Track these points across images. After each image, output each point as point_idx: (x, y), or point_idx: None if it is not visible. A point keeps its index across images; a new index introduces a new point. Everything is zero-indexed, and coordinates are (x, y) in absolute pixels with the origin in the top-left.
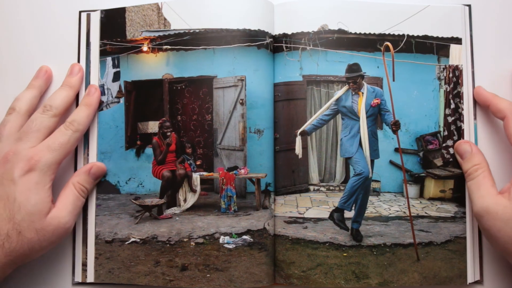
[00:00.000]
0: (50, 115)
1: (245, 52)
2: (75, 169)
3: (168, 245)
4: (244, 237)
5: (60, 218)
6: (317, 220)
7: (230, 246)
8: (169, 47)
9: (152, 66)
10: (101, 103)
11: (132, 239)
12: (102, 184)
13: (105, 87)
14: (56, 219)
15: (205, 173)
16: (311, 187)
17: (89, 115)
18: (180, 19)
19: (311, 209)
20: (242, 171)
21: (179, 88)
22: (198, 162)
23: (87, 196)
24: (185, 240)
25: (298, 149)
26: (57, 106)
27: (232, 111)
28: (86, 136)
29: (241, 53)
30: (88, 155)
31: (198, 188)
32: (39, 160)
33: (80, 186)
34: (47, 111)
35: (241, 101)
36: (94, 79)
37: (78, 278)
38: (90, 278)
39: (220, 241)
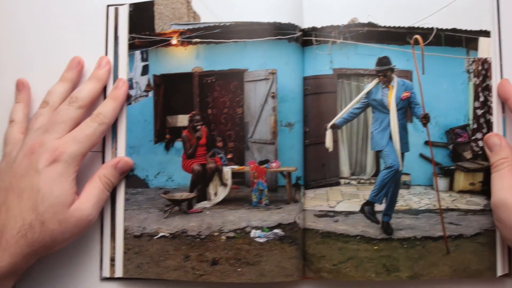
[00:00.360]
0: (76, 106)
1: (276, 46)
2: (103, 163)
3: (198, 239)
4: (275, 230)
5: (83, 210)
6: (348, 213)
7: (261, 240)
8: (198, 40)
9: (182, 59)
10: (129, 97)
11: (161, 234)
12: (130, 179)
13: (134, 80)
14: (79, 211)
15: (236, 167)
16: (342, 181)
17: (115, 108)
18: (210, 12)
19: (342, 202)
20: (274, 164)
21: (209, 81)
22: (229, 156)
23: (112, 190)
24: (215, 234)
25: (329, 143)
26: (83, 98)
27: (263, 104)
28: (114, 130)
29: (272, 47)
30: (116, 149)
31: (229, 182)
32: (64, 152)
33: (106, 180)
34: (73, 103)
35: (272, 94)
36: (122, 73)
37: (106, 273)
38: (119, 273)
39: (251, 235)
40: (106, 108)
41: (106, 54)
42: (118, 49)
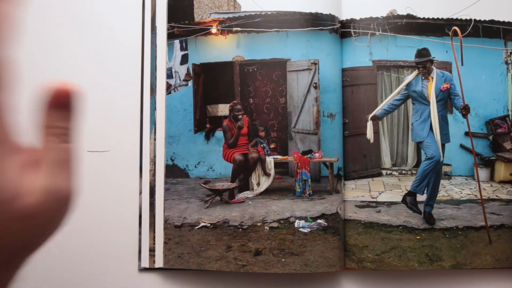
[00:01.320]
0: None
1: (317, 36)
2: (141, 155)
3: (240, 229)
4: (319, 221)
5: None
6: (390, 204)
7: (305, 230)
8: (239, 29)
9: (222, 48)
10: (168, 86)
11: (202, 224)
12: (170, 168)
13: (173, 70)
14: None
15: (279, 157)
16: (384, 171)
17: None
18: (250, 1)
19: (384, 193)
20: (317, 155)
21: (250, 70)
22: (272, 146)
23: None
24: (258, 224)
25: (370, 134)
26: None
27: (306, 94)
28: (152, 120)
29: (314, 37)
30: (155, 139)
31: (272, 172)
32: None
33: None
34: None
35: (314, 84)
36: (161, 63)
37: (145, 263)
38: (159, 263)
39: (295, 225)
40: None
41: (143, 44)
42: (156, 39)
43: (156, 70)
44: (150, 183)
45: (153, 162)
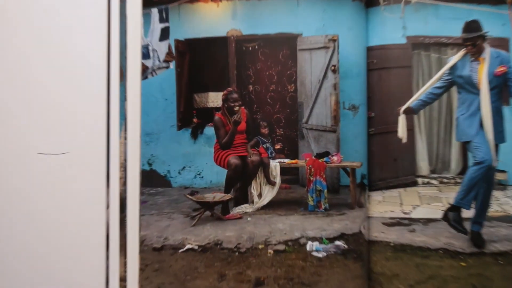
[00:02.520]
0: None
1: (337, 5)
2: (108, 158)
3: (236, 253)
4: (337, 242)
5: None
6: (427, 221)
7: (319, 255)
8: None
9: (213, 20)
10: (144, 69)
11: (188, 246)
12: (147, 175)
13: (150, 48)
14: None
15: (287, 160)
16: (419, 180)
17: None
18: None
19: (419, 207)
20: (335, 158)
21: (250, 49)
22: (278, 146)
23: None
24: (260, 247)
25: (402, 132)
26: None
27: (322, 80)
28: (123, 113)
29: (333, 5)
30: (126, 138)
31: (277, 180)
32: None
33: None
34: None
35: (333, 67)
36: (134, 39)
37: None
38: None
39: (307, 248)
40: None
41: (109, 14)
42: (126, 8)
43: (126, 49)
44: (120, 194)
45: (123, 167)
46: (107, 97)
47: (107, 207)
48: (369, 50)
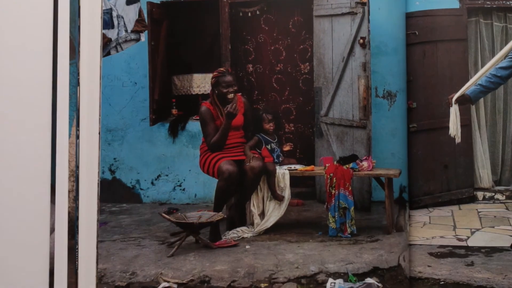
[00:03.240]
0: None
1: None
2: (53, 164)
3: None
4: (369, 280)
5: None
6: (490, 250)
7: None
8: None
9: None
10: (106, 42)
11: (164, 284)
12: (108, 186)
13: (114, 13)
14: None
15: (299, 167)
16: (480, 194)
17: None
18: None
19: (479, 232)
20: (365, 164)
21: (249, 15)
22: (287, 147)
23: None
24: (262, 286)
25: (455, 128)
26: None
27: (347, 57)
28: (74, 103)
29: None
30: (78, 137)
31: (286, 194)
32: None
33: None
34: None
35: (361, 40)
36: (91, 1)
37: None
38: None
39: (328, 287)
40: None
41: None
42: None
43: (79, 15)
44: (69, 213)
45: (74, 176)
46: (52, 81)
47: (51, 231)
48: (409, 17)
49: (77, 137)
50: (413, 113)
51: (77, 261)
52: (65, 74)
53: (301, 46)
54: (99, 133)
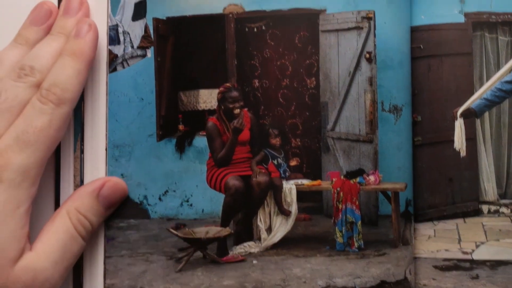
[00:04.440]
0: (31, 83)
1: None
2: (57, 182)
3: None
4: None
5: (37, 270)
6: (495, 264)
7: None
8: None
9: None
10: (112, 58)
11: None
12: None
13: (120, 29)
14: (31, 272)
15: (306, 181)
16: (485, 207)
17: (80, 73)
18: None
19: (484, 245)
20: (372, 178)
21: (255, 30)
22: (294, 162)
23: (90, 236)
24: None
25: (460, 142)
26: (43, 68)
27: (353, 72)
28: (79, 118)
29: None
30: (83, 152)
31: (293, 208)
32: (7, 165)
33: (79, 218)
34: (26, 76)
35: (368, 55)
36: (97, 16)
37: None
38: None
39: None
40: (64, 74)
41: None
42: None
43: None
44: None
45: None
46: None
47: None
48: (414, 31)
49: (82, 151)
50: (418, 126)
51: (83, 276)
52: None
53: (307, 61)
54: (105, 149)
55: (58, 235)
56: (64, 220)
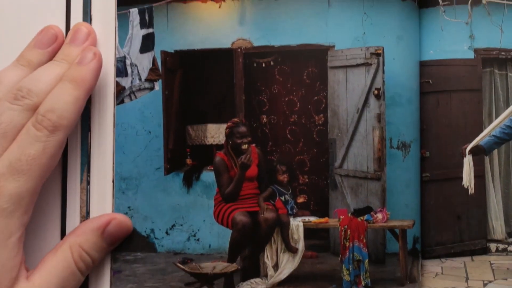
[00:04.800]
0: (26, 106)
1: (382, 5)
2: (63, 211)
3: None
4: None
5: None
6: None
7: None
8: None
9: (214, 25)
10: (120, 90)
11: None
12: None
13: (128, 61)
14: None
15: (313, 219)
16: (492, 246)
17: (78, 100)
18: None
19: (492, 283)
20: (379, 215)
21: (263, 65)
22: (301, 199)
23: (90, 271)
24: None
25: (468, 179)
26: (41, 92)
27: (362, 108)
28: (85, 149)
29: (376, 8)
30: (89, 183)
31: (300, 245)
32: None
33: (82, 254)
34: (22, 99)
35: (376, 91)
36: (105, 48)
37: None
38: None
39: None
40: (61, 101)
41: (68, 13)
42: (91, 5)
43: None
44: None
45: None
46: None
47: None
48: (423, 66)
49: (88, 183)
50: (427, 162)
51: None
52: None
53: (316, 97)
54: (112, 182)
55: (57, 269)
56: (65, 255)
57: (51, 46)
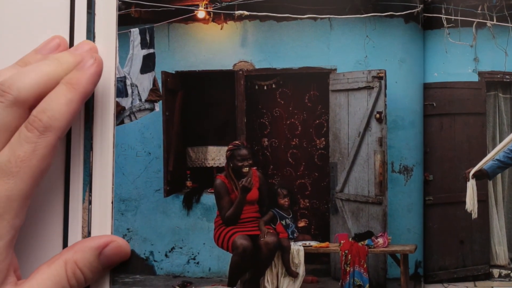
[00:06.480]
0: (9, 102)
1: (385, 28)
2: (65, 236)
3: None
4: None
5: None
6: None
7: None
8: (246, 12)
9: (215, 47)
10: (120, 110)
11: None
12: None
13: (128, 81)
14: None
15: (314, 243)
16: (495, 271)
17: (71, 102)
18: None
19: None
20: (380, 240)
21: (265, 88)
22: (302, 223)
23: None
24: None
25: (471, 203)
26: (23, 88)
27: (363, 132)
28: (87, 170)
29: (378, 30)
30: (90, 202)
31: (301, 270)
32: None
33: (76, 271)
34: (4, 94)
35: (378, 115)
36: (107, 67)
37: None
38: None
39: None
40: (54, 102)
41: (72, 32)
42: (95, 24)
43: None
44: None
45: None
46: (66, 148)
47: None
48: (427, 88)
49: (89, 204)
50: (430, 185)
51: None
52: (79, 141)
53: (317, 121)
54: (112, 203)
55: (48, 282)
56: (59, 270)
57: (52, 52)
